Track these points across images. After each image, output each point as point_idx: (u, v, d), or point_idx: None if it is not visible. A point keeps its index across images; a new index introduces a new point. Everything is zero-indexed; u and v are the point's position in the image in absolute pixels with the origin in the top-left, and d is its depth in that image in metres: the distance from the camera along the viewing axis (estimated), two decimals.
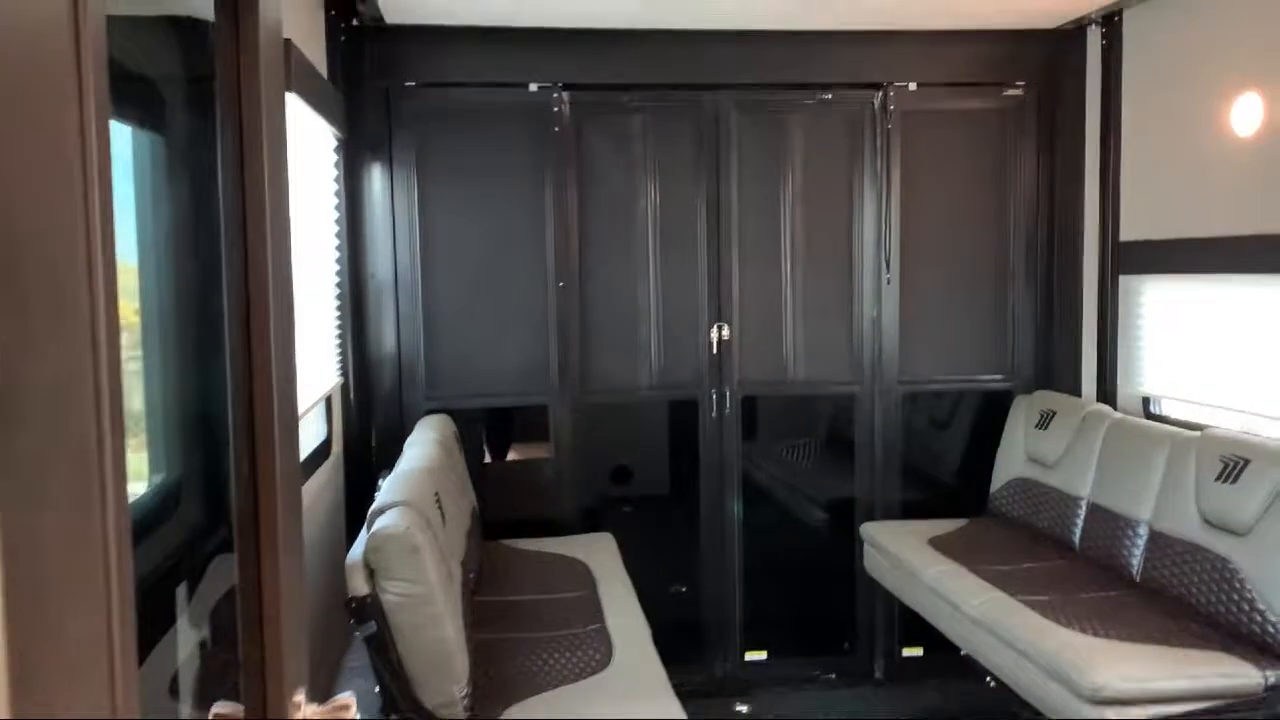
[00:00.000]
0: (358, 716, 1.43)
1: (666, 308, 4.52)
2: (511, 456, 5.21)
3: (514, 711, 2.67)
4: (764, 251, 4.56)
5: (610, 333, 4.51)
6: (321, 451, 3.74)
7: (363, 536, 2.67)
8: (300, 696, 1.42)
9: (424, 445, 3.57)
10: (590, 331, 4.47)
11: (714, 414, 4.55)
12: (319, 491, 3.58)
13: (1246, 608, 3.00)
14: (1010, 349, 4.70)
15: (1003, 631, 3.29)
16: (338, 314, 3.96)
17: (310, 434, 3.68)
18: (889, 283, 4.58)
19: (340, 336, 3.99)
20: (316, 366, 3.44)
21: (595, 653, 3.08)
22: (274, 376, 1.31)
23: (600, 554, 4.06)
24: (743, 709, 4.42)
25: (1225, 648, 2.96)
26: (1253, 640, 2.96)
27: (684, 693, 3.79)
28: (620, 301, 4.51)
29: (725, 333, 4.51)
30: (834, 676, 4.68)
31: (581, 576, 3.82)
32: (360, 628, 2.54)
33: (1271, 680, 2.82)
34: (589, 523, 4.52)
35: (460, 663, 2.62)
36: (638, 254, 4.50)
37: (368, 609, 2.52)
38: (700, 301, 4.52)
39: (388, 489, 2.93)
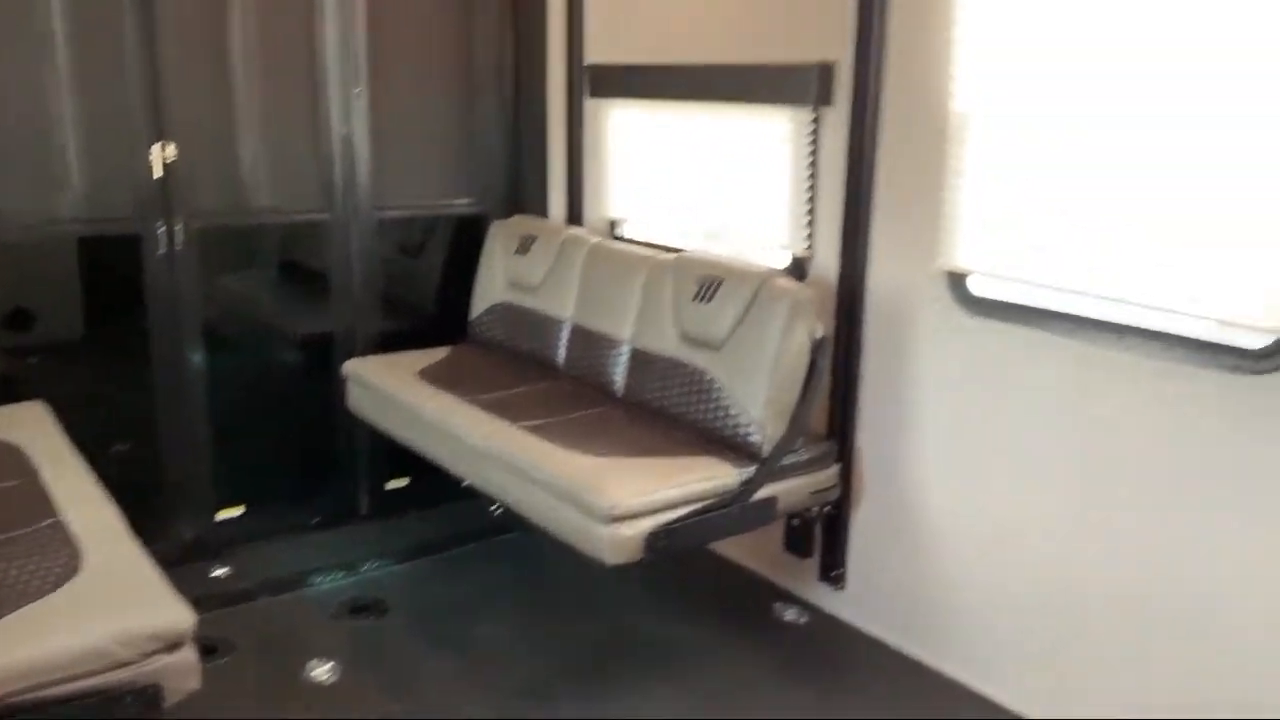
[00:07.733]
0: None
1: (90, 119, 3.65)
2: None
3: None
4: (210, 51, 3.86)
5: (7, 147, 3.54)
6: None
7: None
8: None
9: None
10: None
11: (163, 251, 3.85)
12: None
13: (721, 414, 3.34)
14: (482, 172, 4.61)
15: (510, 461, 3.30)
16: None
17: None
18: (359, 96, 4.17)
19: None
20: None
21: (57, 556, 2.50)
22: None
23: (33, 430, 3.30)
24: (221, 572, 4.02)
25: (706, 451, 3.26)
26: (727, 443, 3.30)
27: None
28: (17, 107, 3.54)
29: (171, 152, 3.78)
30: (317, 521, 4.44)
31: (13, 462, 3.07)
32: None
33: (744, 477, 3.18)
34: (5, 392, 3.65)
35: None
36: (38, 42, 3.53)
37: None
38: (135, 112, 3.72)
39: None
